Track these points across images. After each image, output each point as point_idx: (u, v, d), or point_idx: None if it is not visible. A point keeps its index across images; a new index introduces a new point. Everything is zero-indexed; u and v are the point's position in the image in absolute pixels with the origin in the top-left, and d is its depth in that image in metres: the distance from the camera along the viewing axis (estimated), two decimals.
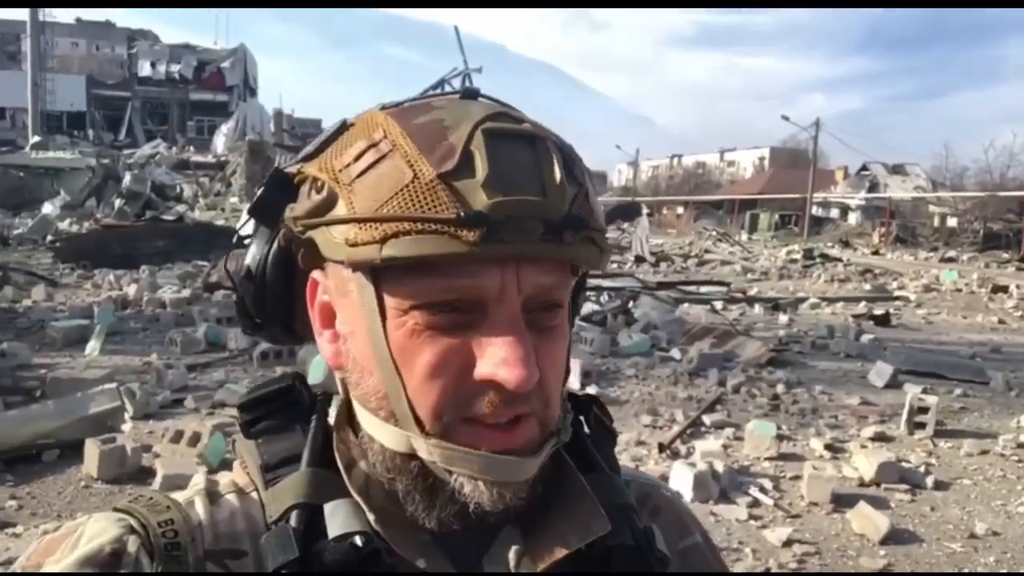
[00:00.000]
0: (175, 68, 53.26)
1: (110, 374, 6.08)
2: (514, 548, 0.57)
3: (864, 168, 46.30)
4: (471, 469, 0.51)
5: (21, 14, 36.52)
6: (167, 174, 24.89)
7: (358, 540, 0.51)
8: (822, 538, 4.00)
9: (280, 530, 0.52)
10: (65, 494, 4.13)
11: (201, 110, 52.44)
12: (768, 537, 3.93)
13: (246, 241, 0.61)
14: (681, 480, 4.40)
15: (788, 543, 3.86)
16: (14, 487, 4.16)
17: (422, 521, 0.54)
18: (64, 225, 18.76)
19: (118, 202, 21.06)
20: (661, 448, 5.09)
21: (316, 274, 0.57)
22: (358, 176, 0.50)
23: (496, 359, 0.50)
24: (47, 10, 37.21)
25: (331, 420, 0.59)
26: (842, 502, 4.35)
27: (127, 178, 22.48)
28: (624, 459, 4.87)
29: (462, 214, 0.47)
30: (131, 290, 10.67)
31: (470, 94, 0.56)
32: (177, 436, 4.57)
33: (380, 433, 0.54)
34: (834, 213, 44.23)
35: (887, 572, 3.72)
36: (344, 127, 0.55)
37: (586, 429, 0.64)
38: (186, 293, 10.38)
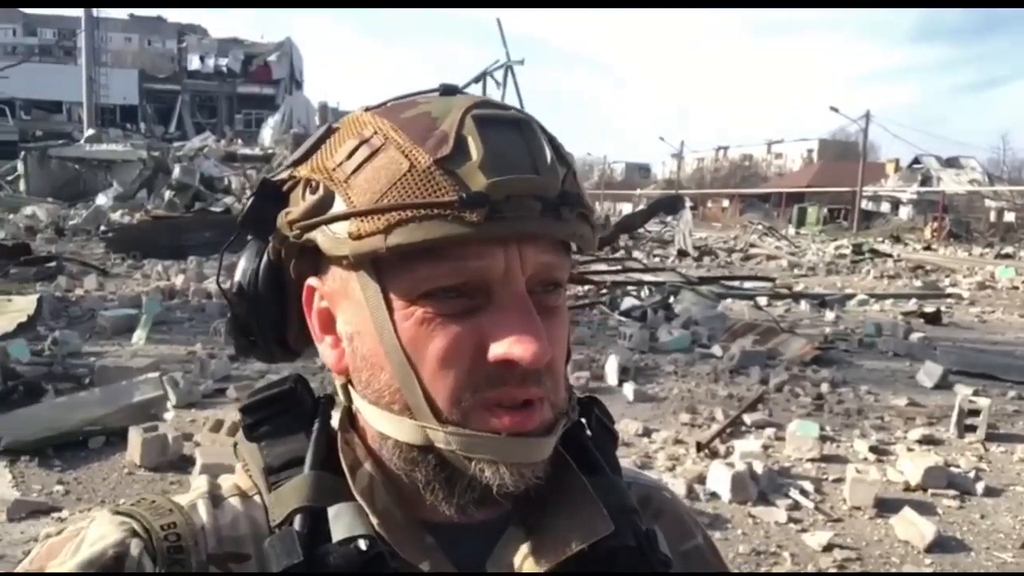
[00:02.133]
0: (223, 62, 54.29)
1: (155, 363, 6.22)
2: (518, 549, 0.57)
3: (916, 161, 44.93)
4: (491, 453, 0.51)
5: (77, 10, 37.59)
6: (215, 166, 25.36)
7: (362, 544, 0.52)
8: (864, 544, 3.89)
9: (284, 534, 0.53)
10: (109, 480, 4.23)
11: (248, 103, 53.38)
12: (807, 541, 3.84)
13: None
14: (719, 480, 4.33)
15: (828, 548, 3.76)
16: (62, 472, 4.28)
17: (442, 509, 0.54)
18: (116, 216, 19.29)
19: (168, 194, 21.59)
20: (699, 447, 5.01)
21: (311, 281, 0.57)
22: (353, 172, 0.51)
23: (508, 338, 0.50)
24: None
25: (334, 423, 0.59)
26: (886, 507, 4.22)
27: (177, 170, 23.01)
28: (661, 458, 4.85)
29: (463, 196, 0.48)
30: (178, 280, 10.92)
31: (449, 90, 0.56)
32: (217, 425, 4.64)
33: (395, 428, 0.54)
34: (885, 207, 43.14)
35: None
36: (330, 131, 0.56)
37: (588, 431, 0.64)
38: None
